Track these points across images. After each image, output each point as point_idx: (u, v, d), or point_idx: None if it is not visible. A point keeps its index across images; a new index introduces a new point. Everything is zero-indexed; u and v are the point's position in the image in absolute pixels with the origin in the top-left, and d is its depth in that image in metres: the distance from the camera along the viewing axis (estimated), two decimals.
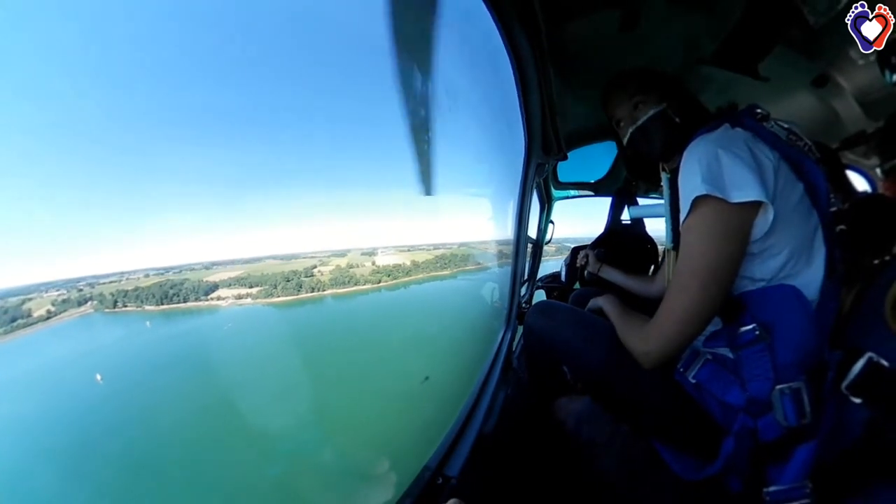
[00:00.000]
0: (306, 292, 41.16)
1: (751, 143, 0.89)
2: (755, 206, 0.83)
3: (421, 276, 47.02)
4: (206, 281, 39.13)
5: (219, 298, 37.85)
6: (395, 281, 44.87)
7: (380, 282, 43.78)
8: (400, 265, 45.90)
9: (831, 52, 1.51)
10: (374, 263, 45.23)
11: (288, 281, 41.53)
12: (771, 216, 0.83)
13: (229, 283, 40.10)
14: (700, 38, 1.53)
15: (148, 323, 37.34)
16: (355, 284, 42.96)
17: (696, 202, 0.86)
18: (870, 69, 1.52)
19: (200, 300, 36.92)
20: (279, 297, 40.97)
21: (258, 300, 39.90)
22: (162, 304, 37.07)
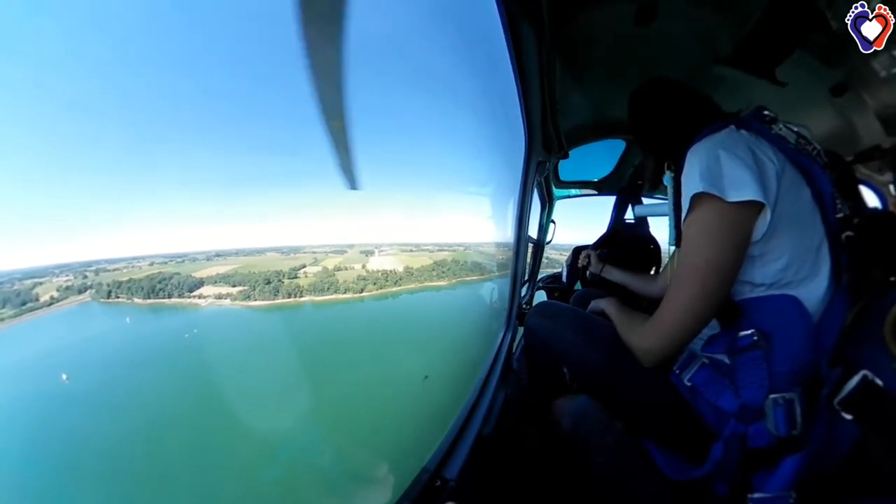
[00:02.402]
0: (283, 297, 37.64)
1: (754, 145, 0.88)
2: (754, 207, 0.83)
3: (412, 285, 41.21)
4: (194, 276, 37.98)
5: (200, 297, 36.82)
6: (380, 291, 39.51)
7: (363, 290, 38.95)
8: (391, 271, 40.53)
9: (853, 60, 1.45)
10: (363, 266, 40.69)
11: (268, 283, 38.20)
12: (769, 217, 0.83)
13: (215, 280, 38.33)
14: (718, 37, 1.48)
15: (128, 319, 36.76)
16: (335, 292, 38.56)
17: (695, 200, 0.87)
18: (893, 82, 1.47)
19: (183, 297, 36.12)
20: (256, 300, 37.38)
21: (236, 302, 36.96)
22: (149, 297, 36.44)
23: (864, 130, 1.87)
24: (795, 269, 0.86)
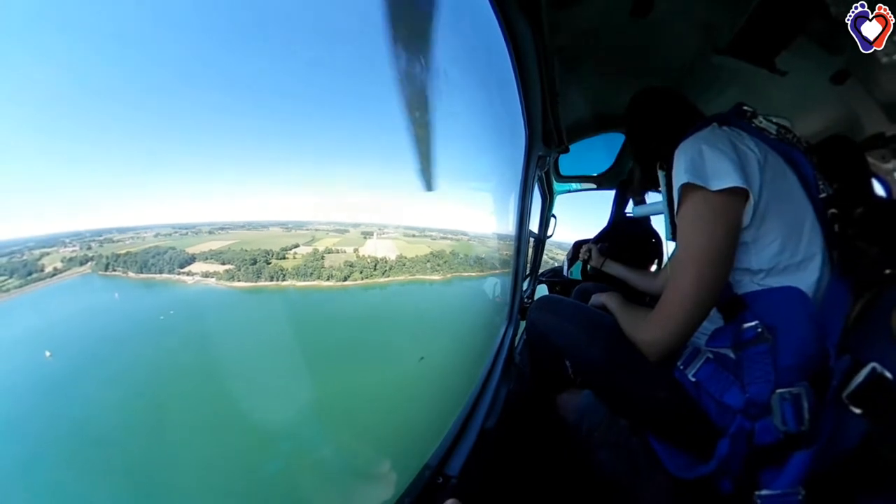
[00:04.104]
0: (265, 280, 34.95)
1: (735, 138, 0.94)
2: (738, 194, 0.86)
3: (402, 278, 37.89)
4: (187, 252, 36.16)
5: (189, 274, 35.01)
6: (365, 281, 36.43)
7: (346, 279, 35.90)
8: (382, 258, 37.93)
9: (854, 47, 1.42)
10: (356, 251, 38.06)
11: (253, 263, 35.49)
12: (754, 202, 0.87)
13: (206, 257, 36.62)
14: (716, 26, 1.44)
15: (116, 294, 34.90)
16: (318, 279, 35.69)
17: (682, 191, 0.92)
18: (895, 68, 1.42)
19: (173, 273, 34.56)
20: (239, 281, 34.85)
21: (221, 282, 35.05)
22: (141, 272, 35.10)
23: (866, 118, 1.85)
24: (790, 252, 0.88)
